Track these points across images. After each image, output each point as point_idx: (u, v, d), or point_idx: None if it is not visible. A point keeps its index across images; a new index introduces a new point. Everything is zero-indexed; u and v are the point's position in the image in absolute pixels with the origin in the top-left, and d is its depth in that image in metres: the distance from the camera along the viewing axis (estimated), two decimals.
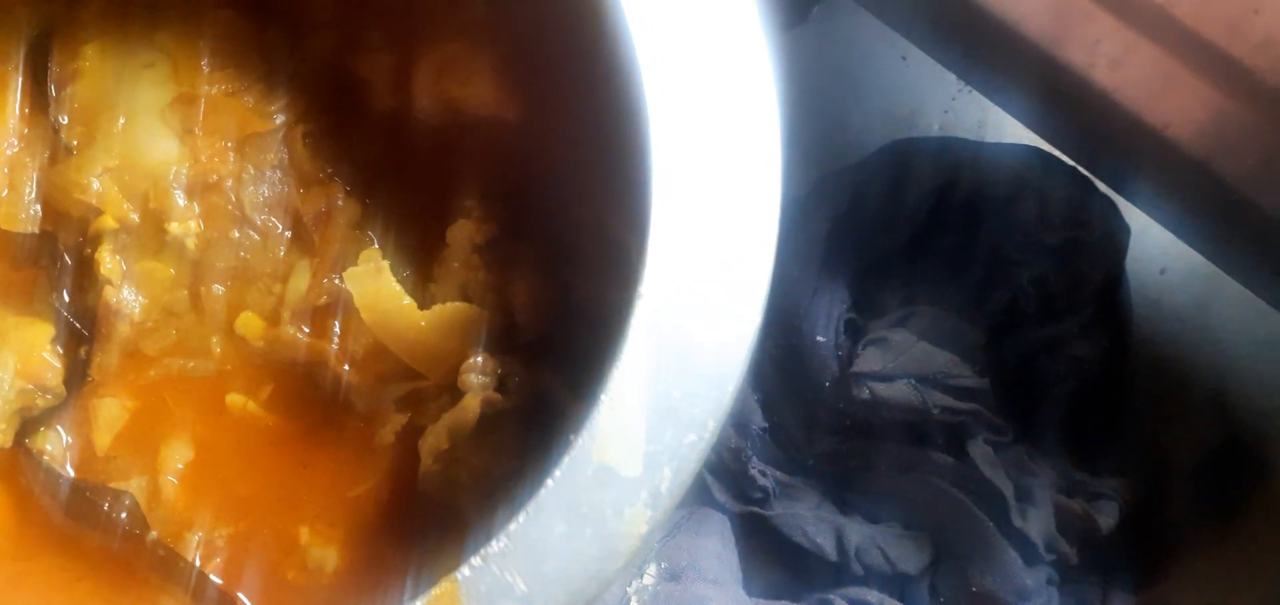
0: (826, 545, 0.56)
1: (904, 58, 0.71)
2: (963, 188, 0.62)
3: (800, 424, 0.59)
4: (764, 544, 0.58)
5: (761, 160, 0.38)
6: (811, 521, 0.57)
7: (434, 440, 0.44)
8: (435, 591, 0.33)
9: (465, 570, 0.34)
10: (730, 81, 0.40)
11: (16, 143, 0.46)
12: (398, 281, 0.45)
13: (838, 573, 0.57)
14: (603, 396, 0.35)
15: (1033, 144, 0.63)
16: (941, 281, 0.61)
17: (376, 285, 0.44)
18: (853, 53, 0.72)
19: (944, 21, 0.59)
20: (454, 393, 0.47)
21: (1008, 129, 0.70)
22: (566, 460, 0.35)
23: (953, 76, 0.71)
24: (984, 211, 0.62)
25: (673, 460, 0.35)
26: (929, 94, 0.72)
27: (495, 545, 0.34)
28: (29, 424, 0.45)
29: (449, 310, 0.45)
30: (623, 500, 0.35)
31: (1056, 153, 0.62)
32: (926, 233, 0.63)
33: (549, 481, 0.34)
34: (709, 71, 0.40)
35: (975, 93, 0.71)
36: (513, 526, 0.34)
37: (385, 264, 0.44)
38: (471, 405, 0.44)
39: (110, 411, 0.46)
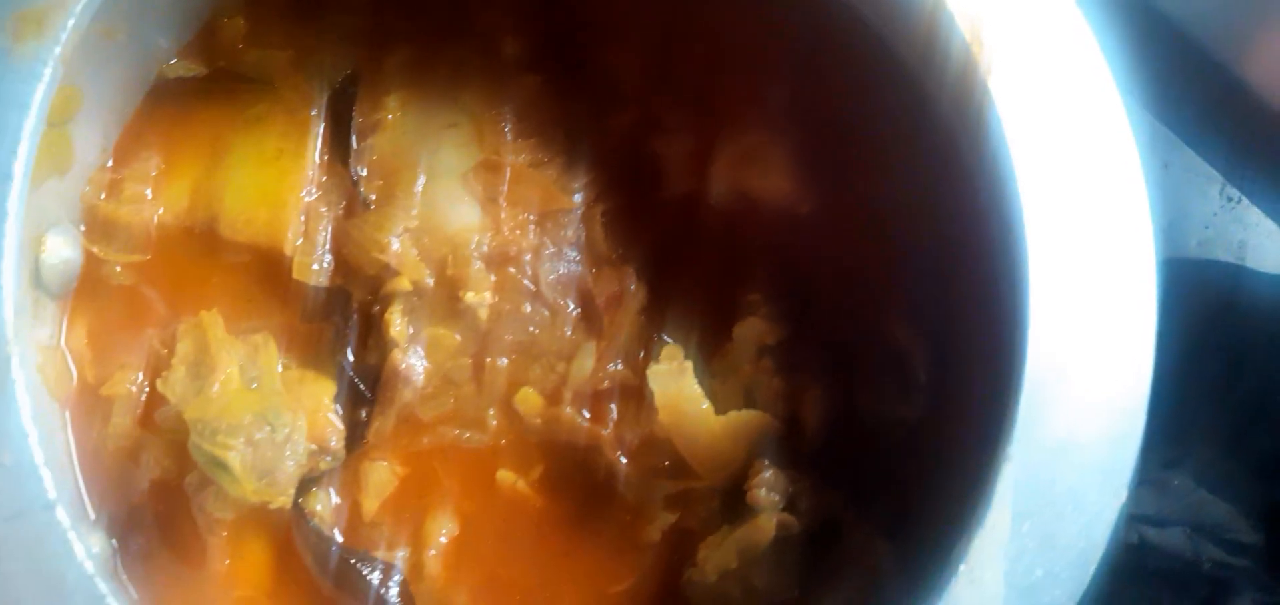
0: None
1: (1166, 165, 0.68)
2: (1232, 317, 0.59)
3: None
4: None
5: (1137, 312, 0.36)
6: None
7: (721, 557, 0.42)
8: None
9: None
10: (1102, 211, 0.37)
11: (315, 190, 0.46)
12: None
13: None
14: (961, 566, 0.33)
15: None
16: (1202, 415, 0.58)
17: (678, 386, 0.43)
18: None
19: (1213, 109, 0.56)
20: (726, 496, 0.46)
21: (1269, 255, 0.66)
22: None
23: (1216, 191, 0.67)
24: (1255, 345, 0.58)
25: None
26: (1190, 207, 0.68)
27: None
28: (305, 483, 0.45)
29: (743, 418, 0.43)
30: None
31: None
32: (1185, 361, 0.60)
33: None
34: (1081, 189, 0.37)
35: (1239, 209, 0.67)
36: None
37: (688, 365, 0.43)
38: (766, 525, 0.42)
39: (381, 476, 0.45)
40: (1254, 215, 0.71)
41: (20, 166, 0.33)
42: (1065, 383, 0.36)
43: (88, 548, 0.30)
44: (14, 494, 0.30)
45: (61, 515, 0.31)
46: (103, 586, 0.30)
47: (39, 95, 0.34)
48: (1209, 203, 0.69)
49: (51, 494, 0.30)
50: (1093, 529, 0.34)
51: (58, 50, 0.34)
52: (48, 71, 0.34)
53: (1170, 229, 0.72)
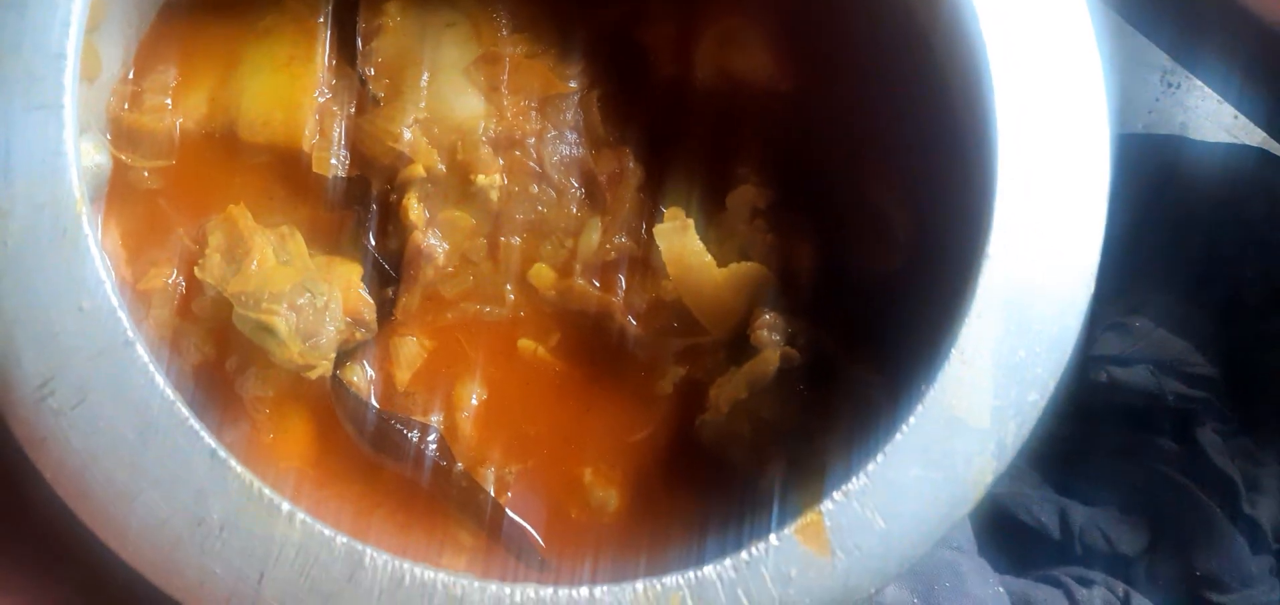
0: (1051, 525, 0.58)
1: (1111, 54, 0.73)
2: (1179, 183, 0.63)
3: None
4: (986, 522, 0.59)
5: (1093, 133, 0.40)
6: (1036, 501, 0.58)
7: (732, 389, 0.46)
8: (802, 521, 0.35)
9: (829, 504, 0.35)
10: (1059, 54, 0.41)
11: (326, 92, 0.49)
12: None
13: (1060, 552, 0.58)
14: (953, 350, 0.37)
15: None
16: (1155, 272, 0.63)
17: (682, 241, 0.46)
18: None
19: None
20: (730, 349, 0.49)
21: (1208, 133, 0.71)
22: (919, 409, 0.36)
23: (1156, 78, 0.72)
24: (1199, 207, 0.63)
25: (1017, 416, 0.37)
26: (1133, 95, 0.73)
27: (855, 482, 0.36)
28: (340, 357, 0.48)
29: (743, 269, 0.47)
30: (972, 450, 0.37)
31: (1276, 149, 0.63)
32: (1138, 224, 0.64)
33: (904, 428, 0.36)
34: (1039, 45, 0.41)
35: (1179, 93, 0.72)
36: (871, 467, 0.36)
37: (690, 222, 0.46)
38: (771, 358, 0.45)
39: (410, 350, 0.48)
40: (1194, 98, 0.77)
41: (72, 46, 0.36)
42: (1034, 198, 0.39)
43: (166, 378, 0.33)
44: (94, 335, 0.33)
45: (140, 351, 0.33)
46: (185, 410, 0.33)
47: None
48: (1152, 89, 0.74)
49: (129, 334, 0.33)
50: (1066, 315, 0.38)
51: None
52: None
53: (1118, 112, 0.77)
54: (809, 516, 0.35)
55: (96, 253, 0.33)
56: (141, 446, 0.33)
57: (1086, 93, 0.41)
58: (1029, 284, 0.38)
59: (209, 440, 0.34)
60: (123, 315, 0.33)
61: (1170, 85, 0.75)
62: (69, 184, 0.34)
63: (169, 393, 0.33)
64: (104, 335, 0.33)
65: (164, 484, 0.34)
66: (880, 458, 0.36)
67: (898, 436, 0.36)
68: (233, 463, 0.35)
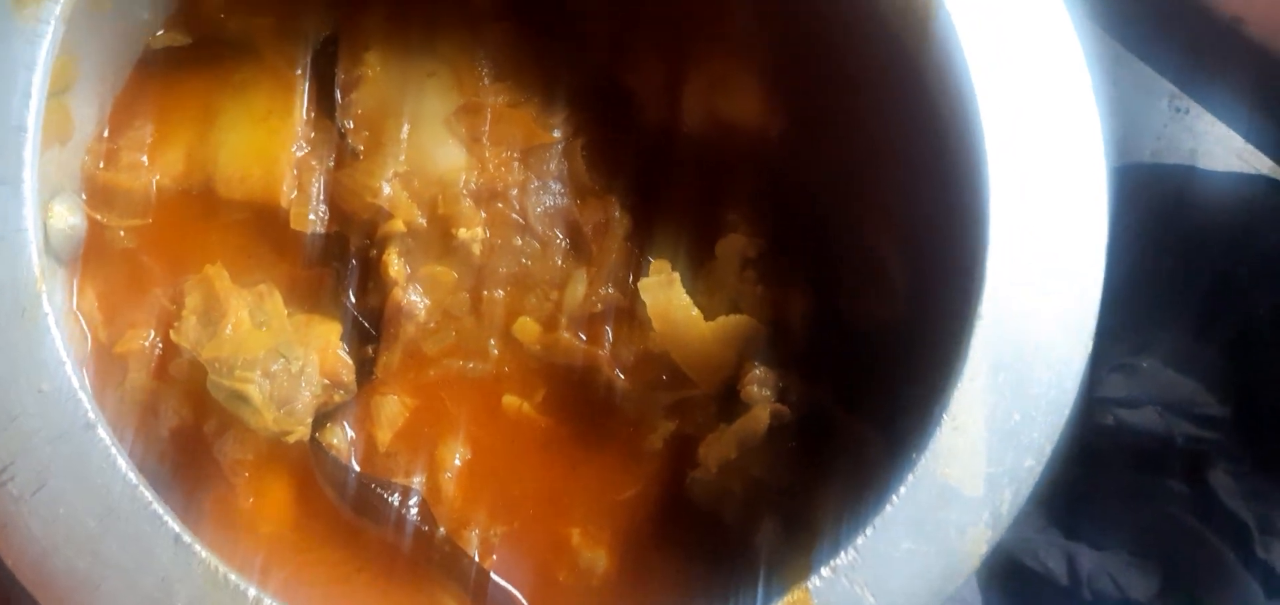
0: (1058, 570, 0.56)
1: (1114, 82, 0.71)
2: (1188, 214, 0.62)
3: None
4: (991, 568, 0.58)
5: (1089, 192, 0.39)
6: (1043, 546, 0.56)
7: (721, 449, 0.45)
8: (788, 598, 0.34)
9: (816, 580, 0.34)
10: (1053, 103, 0.40)
11: (305, 145, 0.48)
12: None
13: (1068, 598, 0.57)
14: (944, 416, 0.35)
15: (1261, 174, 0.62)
16: (1163, 307, 0.61)
17: (668, 295, 0.45)
18: None
19: (1163, 20, 0.59)
20: (721, 401, 0.48)
21: (1218, 161, 0.70)
22: (910, 478, 0.35)
23: (1165, 105, 0.71)
24: (1211, 238, 0.61)
25: (1012, 483, 0.36)
26: (1140, 121, 0.72)
27: (844, 557, 0.34)
28: (320, 418, 0.47)
29: (732, 322, 0.46)
30: (965, 520, 0.35)
31: None
32: (1147, 256, 0.63)
33: (894, 498, 0.35)
34: (1032, 84, 0.40)
35: (1187, 119, 0.71)
36: (861, 540, 0.34)
37: (676, 275, 0.45)
38: (761, 416, 0.44)
39: (392, 409, 0.47)
40: (1202, 124, 0.75)
41: (31, 118, 0.35)
42: (1028, 248, 0.38)
43: (129, 461, 0.32)
44: (55, 418, 0.32)
45: (102, 434, 0.32)
46: (148, 493, 0.32)
47: (44, 52, 0.35)
48: (1160, 115, 0.72)
49: (90, 415, 0.32)
50: (1063, 378, 0.36)
51: (57, 9, 0.36)
52: (50, 31, 0.36)
53: (1123, 141, 0.75)
54: (796, 593, 0.34)
55: (56, 333, 0.33)
56: (103, 533, 0.32)
57: (1084, 141, 0.39)
58: (1023, 344, 0.37)
59: (173, 525, 0.33)
60: (83, 397, 0.32)
61: (1178, 110, 0.73)
62: (29, 261, 0.33)
63: (132, 476, 0.32)
64: (64, 418, 0.32)
65: (127, 571, 0.33)
66: (870, 530, 0.34)
67: (888, 508, 0.35)
68: (198, 547, 0.34)
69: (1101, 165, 0.40)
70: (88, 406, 0.32)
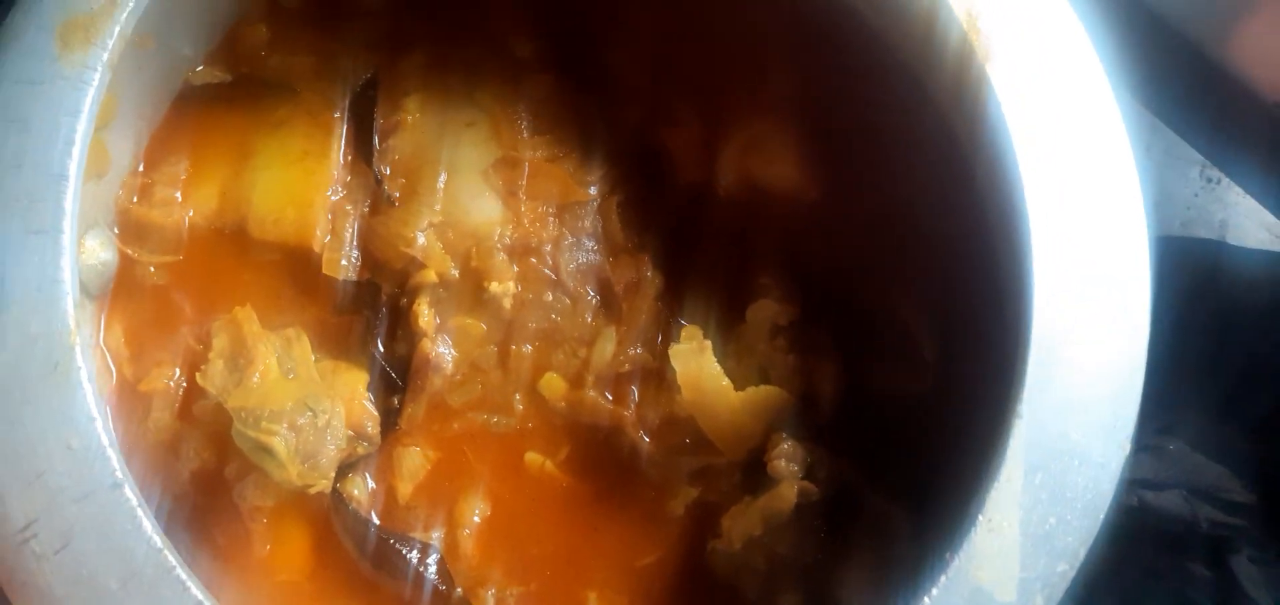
0: None
1: (1146, 149, 0.71)
2: (1218, 291, 0.61)
3: None
4: None
5: (1133, 291, 0.38)
6: None
7: (746, 524, 0.44)
8: None
9: None
10: (1096, 188, 0.40)
11: (341, 189, 0.48)
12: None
13: None
14: (980, 517, 0.35)
15: None
16: (1192, 386, 0.60)
17: (698, 363, 0.44)
18: None
19: (1194, 94, 0.59)
20: (747, 470, 0.48)
21: (1249, 233, 0.69)
22: (943, 580, 0.34)
23: (1196, 174, 0.70)
24: (1241, 317, 0.61)
25: (1045, 589, 0.35)
26: (1172, 190, 0.71)
27: None
28: (342, 469, 0.47)
29: (761, 394, 0.45)
30: None
31: None
32: (1175, 332, 0.62)
33: (926, 599, 0.34)
34: (1075, 166, 0.40)
35: (1218, 189, 0.70)
36: None
37: (707, 343, 0.45)
38: (788, 494, 0.44)
39: (413, 461, 0.47)
40: (1233, 195, 0.74)
41: (73, 167, 0.35)
42: (1068, 347, 0.38)
43: (155, 522, 0.32)
44: (83, 476, 0.32)
45: (128, 494, 0.32)
46: (172, 558, 0.32)
47: (89, 100, 0.35)
48: (1191, 185, 0.72)
49: (118, 475, 0.32)
50: (1099, 481, 0.36)
51: (105, 56, 0.36)
52: (97, 77, 0.36)
53: (1155, 210, 0.74)
54: None
55: (88, 388, 0.32)
56: (124, 596, 0.32)
57: (1129, 243, 0.39)
58: (1061, 446, 0.36)
59: (196, 592, 0.32)
60: (112, 455, 0.32)
61: (1209, 180, 0.73)
62: (64, 314, 0.33)
63: (156, 540, 0.32)
64: (92, 477, 0.32)
65: None
66: None
67: None
68: None
69: (1146, 265, 0.39)
70: (116, 465, 0.32)
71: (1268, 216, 0.75)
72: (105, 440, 0.32)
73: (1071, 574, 0.35)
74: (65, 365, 0.32)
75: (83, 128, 0.35)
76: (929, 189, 0.47)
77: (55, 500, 0.32)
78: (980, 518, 0.35)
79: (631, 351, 0.47)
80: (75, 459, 0.32)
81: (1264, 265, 0.63)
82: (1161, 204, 0.72)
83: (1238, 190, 0.73)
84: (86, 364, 0.32)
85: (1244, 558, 0.56)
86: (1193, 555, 0.57)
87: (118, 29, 0.36)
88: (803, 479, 0.45)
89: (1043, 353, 0.37)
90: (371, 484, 0.47)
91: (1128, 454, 0.37)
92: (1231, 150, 0.63)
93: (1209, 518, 0.55)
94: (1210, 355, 0.62)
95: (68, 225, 0.34)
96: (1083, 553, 0.35)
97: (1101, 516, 0.36)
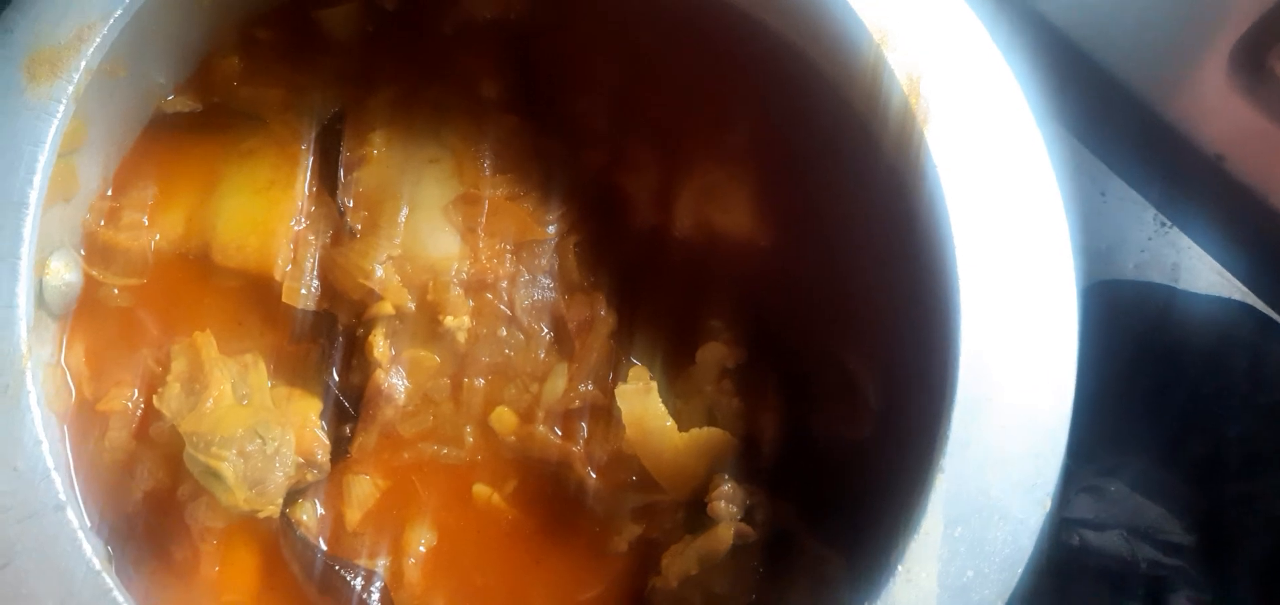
0: None
1: (1103, 194, 0.72)
2: (1165, 335, 0.63)
3: None
4: None
5: (1060, 354, 0.39)
6: None
7: (683, 564, 0.45)
8: None
9: None
10: (1026, 249, 0.41)
11: (304, 220, 0.49)
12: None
13: None
14: (899, 567, 0.36)
15: (1240, 299, 0.63)
16: (1136, 427, 0.62)
17: (644, 404, 0.45)
18: None
19: (1144, 146, 0.60)
20: (689, 508, 0.49)
21: (1201, 276, 0.70)
22: None
23: (1150, 217, 0.72)
24: (1186, 361, 0.62)
25: None
26: (1126, 233, 0.72)
27: None
28: (291, 494, 0.48)
29: (705, 435, 0.46)
30: None
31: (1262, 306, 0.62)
32: (1122, 375, 0.63)
33: None
34: (1007, 230, 0.41)
35: (1171, 234, 0.72)
36: None
37: (654, 385, 0.46)
38: (724, 535, 0.45)
39: (363, 489, 0.48)
40: (1186, 239, 0.76)
41: (35, 195, 0.36)
42: (993, 403, 0.39)
43: (95, 547, 0.33)
44: (26, 497, 0.33)
45: (71, 516, 0.33)
46: (110, 581, 0.33)
47: (53, 130, 0.36)
48: (1144, 228, 0.73)
49: (61, 497, 0.33)
50: (1019, 536, 0.37)
51: (71, 88, 0.37)
52: (61, 109, 0.37)
53: (1109, 253, 0.76)
54: None
55: (37, 412, 0.33)
56: None
57: (1058, 301, 0.40)
58: (981, 501, 0.37)
59: None
60: (56, 477, 0.33)
61: (1163, 224, 0.74)
62: (16, 339, 0.34)
63: (96, 562, 0.33)
64: (35, 498, 0.33)
65: None
66: None
67: None
68: None
69: (1074, 324, 0.40)
70: (60, 488, 0.33)
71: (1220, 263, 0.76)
72: (51, 463, 0.33)
73: None
74: (15, 388, 0.33)
75: (45, 157, 0.36)
76: (876, 239, 0.49)
77: None
78: (899, 568, 0.36)
79: (582, 388, 0.48)
80: (20, 480, 0.33)
81: (1209, 310, 0.64)
82: (1116, 247, 0.74)
83: (1187, 237, 0.75)
84: (36, 387, 0.33)
85: (1182, 598, 0.57)
86: (1132, 595, 0.58)
87: (83, 63, 0.37)
88: (741, 521, 0.46)
89: (967, 408, 0.38)
90: (320, 510, 0.48)
91: (1049, 511, 0.38)
92: (1180, 200, 0.64)
93: (1148, 558, 0.57)
94: (1156, 399, 0.63)
95: (26, 251, 0.35)
96: None
97: (1020, 571, 0.37)
